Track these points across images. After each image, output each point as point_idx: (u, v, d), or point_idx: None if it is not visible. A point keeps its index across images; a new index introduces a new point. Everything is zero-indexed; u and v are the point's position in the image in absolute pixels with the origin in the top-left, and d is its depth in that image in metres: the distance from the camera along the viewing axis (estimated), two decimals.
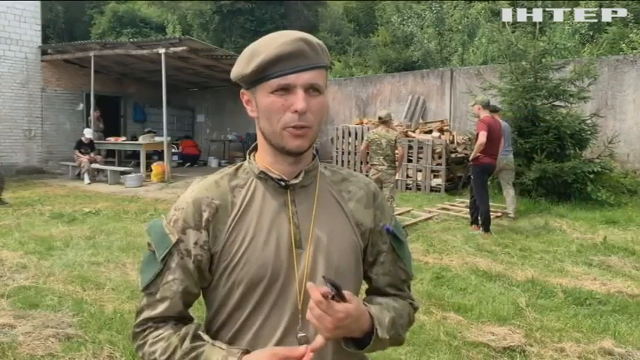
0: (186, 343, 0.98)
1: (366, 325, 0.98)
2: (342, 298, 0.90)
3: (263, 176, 1.05)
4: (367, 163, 6.77)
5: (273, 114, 0.98)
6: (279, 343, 1.00)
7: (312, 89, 0.98)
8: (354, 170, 1.24)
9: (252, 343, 1.01)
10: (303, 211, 1.05)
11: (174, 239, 1.02)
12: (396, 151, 6.64)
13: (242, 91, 1.06)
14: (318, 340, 0.91)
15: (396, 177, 7.26)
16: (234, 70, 1.04)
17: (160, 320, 1.03)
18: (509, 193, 7.53)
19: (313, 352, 0.90)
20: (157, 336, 1.01)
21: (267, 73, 0.97)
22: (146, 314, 1.03)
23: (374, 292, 1.17)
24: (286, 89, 0.97)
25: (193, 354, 0.97)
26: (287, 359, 0.91)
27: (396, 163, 6.66)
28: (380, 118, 6.75)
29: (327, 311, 0.89)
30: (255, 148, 1.10)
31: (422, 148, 10.32)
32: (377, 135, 6.62)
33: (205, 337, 1.02)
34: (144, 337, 1.02)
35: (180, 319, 1.05)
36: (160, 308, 1.02)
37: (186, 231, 1.02)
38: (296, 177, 1.05)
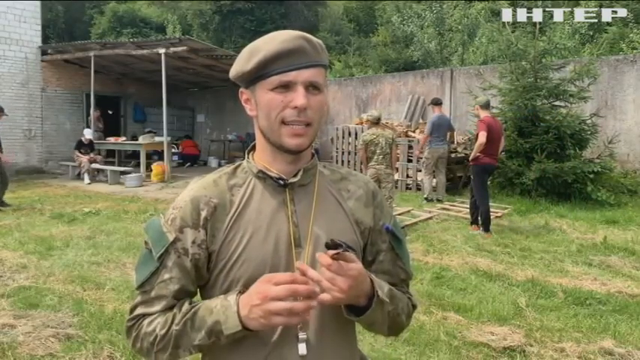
0: (185, 306, 0.99)
1: (367, 288, 0.97)
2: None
3: (262, 175, 1.05)
4: (368, 165, 6.71)
5: (272, 110, 0.98)
6: (278, 343, 0.99)
7: (312, 87, 0.98)
8: (354, 170, 1.22)
9: (252, 342, 1.00)
10: (302, 210, 1.04)
11: (171, 237, 1.01)
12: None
13: (241, 90, 1.05)
14: (326, 296, 0.89)
15: (395, 177, 7.24)
16: (233, 68, 1.03)
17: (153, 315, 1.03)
18: (442, 179, 8.92)
19: (318, 302, 0.89)
20: (152, 319, 1.00)
21: (268, 70, 0.97)
22: (140, 311, 1.02)
23: None
24: (286, 86, 0.97)
25: (191, 311, 0.98)
26: (284, 283, 0.89)
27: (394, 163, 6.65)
28: (377, 119, 6.74)
29: (339, 272, 0.89)
30: (254, 148, 1.10)
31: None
32: (374, 135, 6.58)
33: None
34: (137, 327, 1.02)
35: None
36: (156, 307, 1.01)
37: (183, 230, 1.01)
38: (295, 176, 1.04)
